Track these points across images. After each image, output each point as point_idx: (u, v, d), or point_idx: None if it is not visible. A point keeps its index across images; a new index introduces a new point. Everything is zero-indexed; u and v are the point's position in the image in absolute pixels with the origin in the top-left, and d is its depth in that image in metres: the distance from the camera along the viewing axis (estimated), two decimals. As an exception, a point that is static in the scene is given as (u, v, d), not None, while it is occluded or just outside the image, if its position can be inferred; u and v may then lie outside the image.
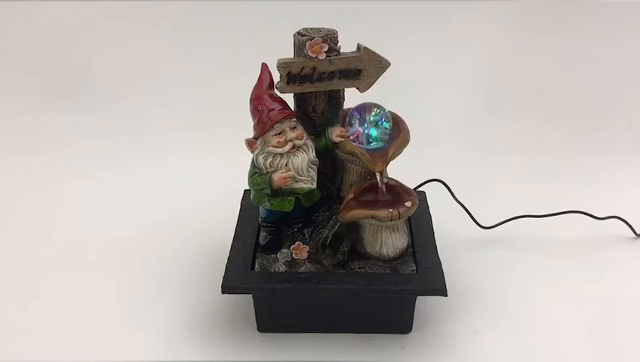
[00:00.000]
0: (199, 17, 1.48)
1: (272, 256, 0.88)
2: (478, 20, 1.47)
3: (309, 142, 0.84)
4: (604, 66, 1.45)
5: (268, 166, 0.83)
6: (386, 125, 0.87)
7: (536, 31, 1.47)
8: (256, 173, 0.84)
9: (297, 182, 0.83)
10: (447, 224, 1.06)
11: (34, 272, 1.03)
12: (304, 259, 0.87)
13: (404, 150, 0.88)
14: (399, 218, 0.84)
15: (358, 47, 0.84)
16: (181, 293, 0.98)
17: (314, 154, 0.84)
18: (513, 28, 1.47)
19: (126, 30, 1.50)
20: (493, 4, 1.46)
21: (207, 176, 1.28)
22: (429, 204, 1.03)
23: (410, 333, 0.90)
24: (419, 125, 0.93)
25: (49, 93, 1.48)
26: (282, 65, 0.82)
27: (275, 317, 0.89)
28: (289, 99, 0.87)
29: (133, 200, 1.22)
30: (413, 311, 0.89)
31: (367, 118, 0.86)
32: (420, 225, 0.96)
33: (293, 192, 0.85)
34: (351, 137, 0.86)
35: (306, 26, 0.85)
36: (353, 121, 0.87)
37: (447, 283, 0.84)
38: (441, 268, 0.87)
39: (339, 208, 0.88)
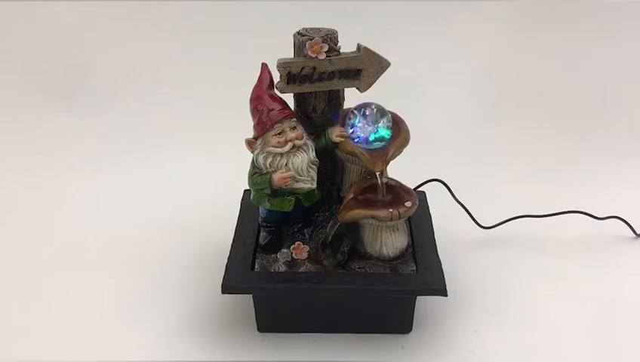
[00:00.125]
0: (199, 17, 1.48)
1: (272, 256, 0.88)
2: (478, 20, 1.47)
3: (309, 142, 0.84)
4: (604, 66, 1.45)
5: (268, 166, 0.83)
6: (386, 125, 0.87)
7: (536, 31, 1.47)
8: (256, 173, 0.84)
9: (297, 182, 0.83)
10: (447, 224, 1.06)
11: (34, 272, 1.03)
12: (304, 259, 0.87)
13: (404, 150, 0.88)
14: (399, 218, 0.84)
15: (358, 47, 0.84)
16: (181, 293, 0.97)
17: (314, 154, 0.84)
18: (513, 28, 1.47)
19: (126, 30, 1.50)
20: (493, 4, 1.46)
21: (207, 176, 1.28)
22: (429, 204, 1.03)
23: (410, 333, 0.90)
24: (419, 125, 0.93)
25: (49, 93, 1.48)
26: (282, 65, 0.82)
27: (275, 317, 0.89)
28: (289, 99, 0.87)
29: (133, 201, 1.22)
30: (413, 311, 0.89)
31: (368, 118, 0.86)
32: (419, 225, 0.96)
33: (293, 192, 0.85)
34: (351, 137, 0.86)
35: (306, 26, 0.85)
36: (353, 121, 0.87)
37: (447, 283, 0.84)
38: (441, 268, 0.87)
39: (339, 208, 0.88)
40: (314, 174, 0.84)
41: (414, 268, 0.88)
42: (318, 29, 0.84)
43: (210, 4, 1.47)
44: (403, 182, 0.90)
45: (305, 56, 0.82)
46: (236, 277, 0.85)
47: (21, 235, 1.12)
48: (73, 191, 1.25)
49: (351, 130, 0.87)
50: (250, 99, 0.85)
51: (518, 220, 1.09)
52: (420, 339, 0.89)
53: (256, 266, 0.88)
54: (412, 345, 0.88)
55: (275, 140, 0.82)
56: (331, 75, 0.83)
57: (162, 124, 1.43)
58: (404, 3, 1.46)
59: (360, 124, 0.86)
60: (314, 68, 0.82)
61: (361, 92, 0.86)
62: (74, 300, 0.96)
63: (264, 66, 0.85)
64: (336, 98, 0.88)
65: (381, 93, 0.89)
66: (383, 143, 0.87)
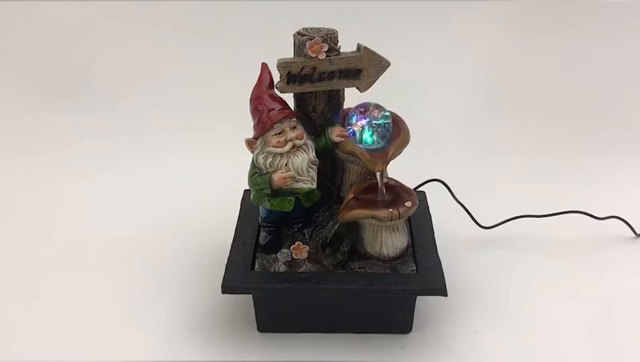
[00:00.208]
0: (199, 17, 1.48)
1: (272, 256, 0.88)
2: (478, 20, 1.47)
3: (309, 142, 0.84)
4: (604, 66, 1.45)
5: (268, 166, 0.83)
6: (386, 124, 0.87)
7: (536, 31, 1.47)
8: (256, 173, 0.84)
9: (297, 182, 0.83)
10: (447, 224, 1.06)
11: (34, 272, 1.03)
12: (304, 259, 0.87)
13: (404, 150, 0.88)
14: (399, 218, 0.84)
15: (358, 47, 0.84)
16: (181, 293, 0.97)
17: (314, 154, 0.84)
18: (513, 28, 1.47)
19: (126, 30, 1.50)
20: (493, 4, 1.46)
21: (207, 176, 1.28)
22: (429, 204, 1.03)
23: (410, 333, 0.90)
24: (419, 125, 0.93)
25: (49, 93, 1.48)
26: (282, 65, 0.82)
27: (275, 317, 0.89)
28: (289, 99, 0.87)
29: (133, 201, 1.22)
30: (413, 311, 0.89)
31: (368, 118, 0.86)
32: (419, 225, 0.96)
33: (293, 192, 0.85)
34: (351, 137, 0.86)
35: (306, 26, 0.85)
36: (353, 121, 0.87)
37: (447, 283, 0.84)
38: (441, 268, 0.87)
39: (339, 208, 0.88)
40: (314, 174, 0.84)
41: (414, 268, 0.88)
42: (318, 29, 0.84)
43: (210, 4, 1.47)
44: (403, 182, 0.90)
45: (305, 56, 0.82)
46: (236, 277, 0.85)
47: (21, 235, 1.12)
48: (73, 191, 1.25)
49: (351, 130, 0.87)
50: (250, 99, 0.85)
51: (518, 220, 1.09)
52: (420, 339, 0.89)
53: (256, 266, 0.88)
54: (412, 345, 0.88)
55: (275, 140, 0.82)
56: (331, 75, 0.83)
57: (162, 124, 1.43)
58: (404, 3, 1.46)
59: (359, 124, 0.86)
60: (314, 68, 0.82)
61: (361, 92, 0.86)
62: (74, 300, 0.96)
63: (264, 66, 0.85)
64: (336, 98, 0.88)
65: (381, 93, 0.89)
66: (383, 143, 0.86)
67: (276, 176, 0.83)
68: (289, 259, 0.87)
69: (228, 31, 1.48)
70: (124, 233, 1.12)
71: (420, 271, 0.87)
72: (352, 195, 0.87)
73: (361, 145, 0.86)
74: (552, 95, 1.46)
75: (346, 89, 0.88)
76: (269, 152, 0.83)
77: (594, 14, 1.45)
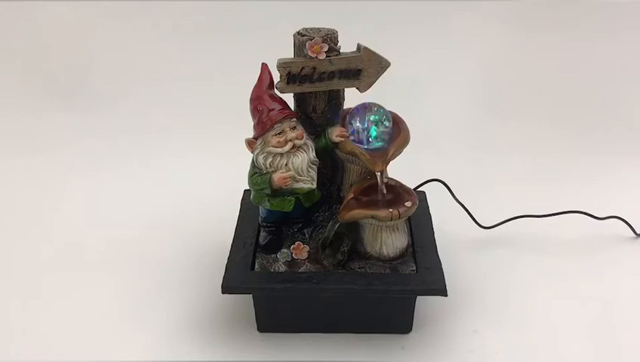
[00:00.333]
0: (199, 17, 1.48)
1: (272, 256, 0.88)
2: (478, 20, 1.47)
3: (309, 142, 0.84)
4: (604, 66, 1.45)
5: (268, 166, 0.83)
6: (387, 125, 0.87)
7: (537, 31, 1.47)
8: (256, 173, 0.84)
9: (297, 182, 0.83)
10: (447, 224, 1.06)
11: (34, 272, 1.03)
12: (304, 259, 0.87)
13: (404, 150, 0.88)
14: (399, 218, 0.84)
15: (358, 47, 0.84)
16: (181, 293, 0.98)
17: (314, 154, 0.84)
18: (513, 28, 1.47)
19: (126, 30, 1.50)
20: (493, 4, 1.46)
21: (207, 176, 1.28)
22: (429, 204, 1.03)
23: (410, 333, 0.90)
24: (419, 125, 0.93)
25: (49, 93, 1.48)
26: (282, 65, 0.82)
27: (275, 317, 0.89)
28: (289, 99, 0.87)
29: (133, 200, 1.22)
30: (413, 311, 0.89)
31: (368, 118, 0.86)
32: (419, 225, 0.96)
33: (293, 192, 0.85)
34: (351, 137, 0.86)
35: (306, 26, 0.85)
36: (353, 121, 0.87)
37: (447, 283, 0.84)
38: (441, 268, 0.87)
39: (339, 208, 0.88)
40: (314, 174, 0.84)
41: (414, 268, 0.88)
42: (318, 29, 0.84)
43: (211, 4, 1.47)
44: (403, 182, 0.90)
45: (305, 56, 0.82)
46: (236, 277, 0.85)
47: (21, 235, 1.12)
48: (73, 191, 1.25)
49: (351, 130, 0.87)
50: (250, 99, 0.85)
51: (518, 220, 1.09)
52: (420, 339, 0.89)
53: (256, 266, 0.88)
54: (412, 345, 0.88)
55: (275, 140, 0.82)
56: (331, 75, 0.83)
57: (162, 123, 1.43)
58: (404, 3, 1.46)
59: (360, 124, 0.86)
60: (314, 68, 0.82)
61: (361, 92, 0.86)
62: (74, 300, 0.96)
63: (264, 66, 0.85)
64: (336, 98, 0.88)
65: (381, 93, 0.89)
66: (383, 143, 0.87)
67: (276, 176, 0.83)
68: (289, 259, 0.87)
69: (228, 31, 1.48)
70: (124, 233, 1.12)
71: (420, 271, 0.87)
72: (352, 195, 0.87)
73: (361, 145, 0.86)
74: (552, 95, 1.46)
75: (346, 89, 0.88)
76: (269, 152, 0.83)
77: (594, 14, 1.45)
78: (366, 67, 0.83)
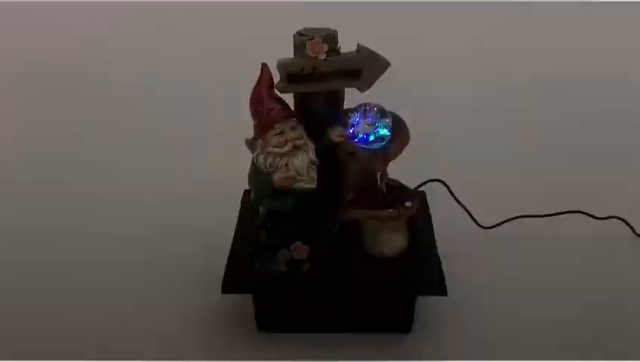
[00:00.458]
0: (199, 17, 1.49)
1: (272, 256, 0.88)
2: (479, 19, 1.47)
3: (309, 143, 0.84)
4: (603, 66, 1.46)
5: (268, 166, 0.83)
6: (387, 125, 0.87)
7: (537, 31, 1.47)
8: (257, 173, 0.84)
9: (297, 182, 0.83)
10: (447, 224, 1.06)
11: (35, 273, 1.02)
12: (304, 259, 0.87)
13: (405, 150, 0.88)
14: (399, 218, 0.84)
15: (358, 47, 0.84)
16: (181, 293, 0.98)
17: (314, 154, 0.84)
18: (513, 27, 1.47)
19: (124, 31, 1.50)
20: (493, 4, 1.46)
21: (207, 176, 1.28)
22: (429, 204, 1.03)
23: (410, 333, 0.90)
24: (419, 125, 0.93)
25: (49, 89, 1.48)
26: (282, 65, 0.82)
27: (274, 317, 0.89)
28: (289, 99, 0.87)
29: (133, 200, 1.22)
30: (414, 311, 0.89)
31: (368, 118, 0.86)
32: (419, 225, 0.96)
33: (293, 192, 0.85)
34: (351, 137, 0.86)
35: (306, 26, 0.84)
36: (353, 121, 0.87)
37: (447, 283, 0.84)
38: (441, 268, 0.87)
39: (339, 208, 0.88)
40: (314, 174, 0.84)
41: (414, 268, 0.88)
42: (318, 29, 0.84)
43: (210, 4, 1.48)
44: (403, 182, 0.90)
45: (305, 56, 0.81)
46: (236, 277, 0.85)
47: (22, 236, 1.12)
48: (73, 192, 1.25)
49: (351, 130, 0.87)
50: (251, 99, 0.85)
51: (518, 220, 1.09)
52: (420, 339, 0.89)
53: (256, 266, 0.88)
54: (412, 345, 0.88)
55: (275, 140, 0.82)
56: (331, 75, 0.83)
57: (162, 124, 1.43)
58: (404, 3, 1.47)
59: (360, 124, 0.86)
60: (314, 68, 0.82)
61: (361, 92, 0.86)
62: (74, 300, 0.96)
63: (264, 66, 0.85)
64: (337, 98, 0.88)
65: (381, 93, 0.89)
66: (383, 143, 0.87)
67: (276, 177, 0.83)
68: (289, 259, 0.87)
69: (228, 31, 1.48)
70: (125, 233, 1.12)
71: (419, 271, 0.87)
72: (352, 195, 0.87)
73: (361, 145, 0.86)
74: (551, 95, 1.46)
75: (346, 89, 0.88)
76: (270, 152, 0.83)
77: (592, 13, 1.45)
78: (366, 67, 0.83)
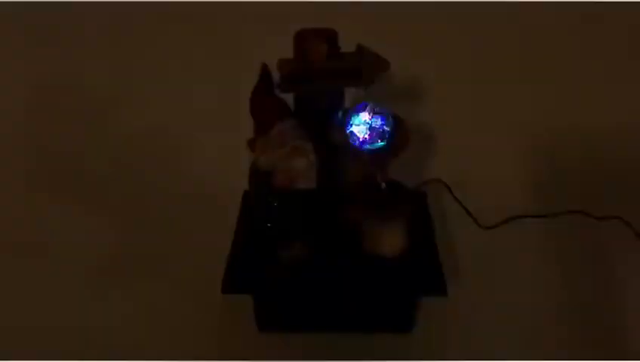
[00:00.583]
0: (199, 17, 1.49)
1: (273, 256, 0.88)
2: (479, 19, 1.47)
3: (309, 143, 0.84)
4: (603, 66, 1.45)
5: (268, 166, 0.83)
6: (387, 125, 0.87)
7: (538, 32, 1.47)
8: (257, 173, 0.84)
9: (297, 182, 0.83)
10: (447, 224, 1.06)
11: (36, 275, 1.03)
12: (304, 259, 0.87)
13: (405, 150, 0.88)
14: (399, 218, 0.84)
15: (358, 47, 0.84)
16: (181, 293, 0.97)
17: (314, 154, 0.84)
18: (513, 27, 1.47)
19: (125, 31, 1.50)
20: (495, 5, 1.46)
21: (207, 176, 1.28)
22: (429, 204, 1.02)
23: (410, 333, 0.90)
24: (419, 125, 0.93)
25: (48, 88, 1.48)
26: (282, 65, 0.82)
27: (275, 317, 0.89)
28: (289, 99, 0.87)
29: (133, 200, 1.21)
30: (414, 311, 0.89)
31: (368, 118, 0.86)
32: (419, 225, 0.96)
33: (293, 192, 0.85)
34: (351, 137, 0.86)
35: (306, 26, 0.85)
36: (354, 121, 0.87)
37: (447, 283, 0.84)
38: (441, 268, 0.87)
39: (339, 208, 0.88)
40: (314, 174, 0.84)
41: (414, 268, 0.88)
42: (318, 29, 0.84)
43: (211, 4, 1.48)
44: (403, 182, 0.90)
45: (305, 56, 0.82)
46: (236, 277, 0.85)
47: (22, 237, 1.12)
48: (73, 191, 1.25)
49: (351, 130, 0.87)
50: (251, 99, 0.85)
51: (518, 220, 1.09)
52: (420, 339, 0.89)
53: (257, 266, 0.88)
54: (412, 345, 0.88)
55: (275, 141, 0.82)
56: (331, 75, 0.83)
57: (162, 123, 1.42)
58: (404, 3, 1.46)
59: (360, 124, 0.86)
60: (314, 68, 0.82)
61: (361, 92, 0.86)
62: (74, 300, 0.96)
63: (264, 66, 0.85)
64: (337, 98, 0.88)
65: (381, 93, 0.89)
66: (383, 143, 0.87)
67: (276, 177, 0.83)
68: (289, 259, 0.87)
69: (228, 31, 1.48)
70: (125, 233, 1.12)
71: (420, 271, 0.87)
72: (351, 195, 0.87)
73: (361, 145, 0.86)
74: (551, 95, 1.46)
75: (346, 89, 0.88)
76: (270, 153, 0.83)
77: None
78: (366, 67, 0.83)
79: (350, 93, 0.89)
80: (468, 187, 1.11)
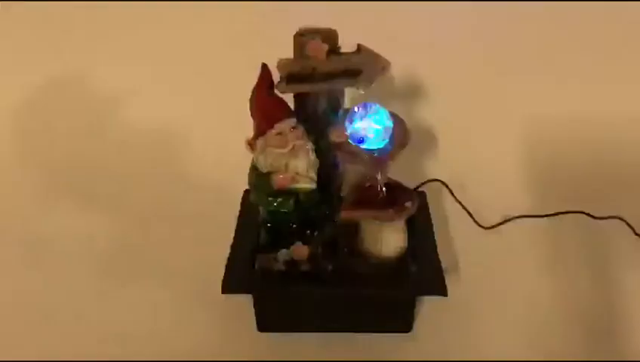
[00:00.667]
0: (199, 17, 1.48)
1: (272, 256, 0.88)
2: (480, 19, 1.47)
3: (309, 143, 0.84)
4: (606, 63, 1.45)
5: (268, 166, 0.83)
6: (387, 125, 0.87)
7: (540, 30, 1.47)
8: (257, 173, 0.84)
9: (297, 182, 0.84)
10: (447, 224, 1.06)
11: (35, 274, 1.03)
12: (304, 259, 0.87)
13: (404, 150, 0.88)
14: (399, 218, 0.84)
15: (358, 47, 0.84)
16: (181, 293, 0.97)
17: (314, 154, 0.84)
18: (514, 27, 1.47)
19: (124, 32, 1.50)
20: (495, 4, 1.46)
21: (207, 176, 1.28)
22: (429, 204, 1.03)
23: (410, 333, 0.90)
24: (419, 125, 0.93)
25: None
26: (282, 65, 0.82)
27: (275, 317, 0.89)
28: (289, 99, 0.87)
29: (133, 200, 1.22)
30: (414, 311, 0.89)
31: (368, 118, 0.86)
32: (419, 225, 0.96)
33: (293, 192, 0.85)
34: (351, 137, 0.86)
35: (306, 26, 0.85)
36: (354, 121, 0.87)
37: (447, 283, 0.84)
38: (441, 269, 0.87)
39: (339, 208, 0.88)
40: (314, 174, 0.84)
41: (414, 268, 0.88)
42: (318, 29, 0.84)
43: (210, 3, 1.47)
44: (403, 182, 0.90)
45: (305, 56, 0.82)
46: (236, 277, 0.85)
47: (23, 236, 1.12)
48: (73, 190, 1.25)
49: (351, 130, 0.87)
50: (251, 99, 0.85)
51: (518, 220, 1.09)
52: (420, 339, 0.89)
53: (256, 266, 0.88)
54: (412, 345, 0.88)
55: (275, 141, 0.82)
56: (331, 75, 0.83)
57: (162, 123, 1.42)
58: (404, 3, 1.46)
59: (360, 124, 0.86)
60: (314, 68, 0.82)
61: (361, 92, 0.86)
62: (73, 300, 0.96)
63: (264, 66, 0.85)
64: (336, 98, 0.88)
65: (381, 93, 0.89)
66: (383, 143, 0.87)
67: (276, 177, 0.83)
68: (289, 259, 0.87)
69: (228, 31, 1.48)
70: (125, 233, 1.12)
71: (419, 271, 0.87)
72: (351, 195, 0.87)
73: (361, 146, 0.86)
74: (552, 95, 1.46)
75: (346, 89, 0.88)
76: (270, 153, 0.83)
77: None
78: (366, 67, 0.83)
79: (350, 93, 0.89)
80: (468, 187, 1.11)
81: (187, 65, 1.48)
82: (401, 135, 0.88)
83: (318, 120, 0.88)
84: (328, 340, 0.88)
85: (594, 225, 1.10)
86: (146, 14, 1.49)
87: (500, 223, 1.09)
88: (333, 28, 0.84)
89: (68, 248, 1.08)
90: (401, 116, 0.90)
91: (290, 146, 0.82)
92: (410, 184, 0.93)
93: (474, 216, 1.07)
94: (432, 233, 0.95)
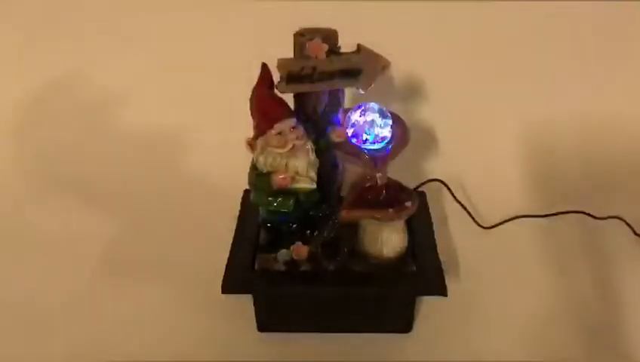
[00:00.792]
0: (199, 17, 1.48)
1: (272, 256, 0.89)
2: (481, 18, 1.47)
3: (309, 143, 0.84)
4: (606, 63, 1.45)
5: (268, 166, 0.83)
6: (387, 125, 0.87)
7: (540, 31, 1.47)
8: (257, 173, 0.84)
9: (297, 182, 0.84)
10: (447, 224, 1.06)
11: (36, 275, 1.03)
12: (304, 259, 0.87)
13: (404, 150, 0.88)
14: (399, 218, 0.84)
15: (358, 47, 0.84)
16: (181, 293, 0.98)
17: (314, 154, 0.84)
18: (515, 26, 1.47)
19: (124, 32, 1.50)
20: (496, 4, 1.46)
21: (207, 176, 1.28)
22: (429, 204, 1.03)
23: (410, 333, 0.90)
24: (419, 125, 0.93)
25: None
26: (282, 65, 0.82)
27: (275, 317, 0.89)
28: (289, 99, 0.87)
29: (133, 200, 1.22)
30: (414, 311, 0.89)
31: (368, 118, 0.86)
32: (419, 225, 0.96)
33: (293, 192, 0.85)
34: (351, 137, 0.86)
35: (306, 26, 0.85)
36: (354, 121, 0.87)
37: (447, 283, 0.84)
38: (441, 268, 0.87)
39: (339, 208, 0.88)
40: (314, 174, 0.84)
41: (414, 268, 0.88)
42: (318, 28, 0.84)
43: (210, 3, 1.47)
44: (403, 182, 0.90)
45: (305, 56, 0.82)
46: (236, 277, 0.85)
47: (23, 236, 1.12)
48: (73, 189, 1.25)
49: (351, 130, 0.87)
50: (251, 99, 0.85)
51: (518, 220, 1.09)
52: (420, 339, 0.89)
53: (256, 266, 0.88)
54: (412, 345, 0.88)
55: (275, 141, 0.82)
56: (331, 75, 0.83)
57: (161, 123, 1.43)
58: (404, 3, 1.46)
59: (360, 124, 0.86)
60: (314, 68, 0.82)
61: (361, 92, 0.86)
62: (74, 299, 0.96)
63: (264, 66, 0.85)
64: (336, 98, 0.88)
65: (381, 93, 0.89)
66: (383, 143, 0.87)
67: (276, 177, 0.83)
68: (289, 259, 0.87)
69: (227, 31, 1.48)
70: (124, 233, 1.12)
71: (419, 271, 0.87)
72: (351, 195, 0.87)
73: (361, 145, 0.86)
74: (552, 95, 1.46)
75: (346, 89, 0.88)
76: (269, 153, 0.83)
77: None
78: (366, 67, 0.83)
79: (350, 93, 0.89)
80: (468, 187, 1.11)
81: (187, 65, 1.48)
82: (401, 135, 0.88)
83: (318, 120, 0.88)
84: (328, 340, 0.88)
85: (594, 225, 1.10)
86: (146, 14, 1.49)
87: (500, 223, 1.09)
88: (333, 28, 0.84)
89: (68, 248, 1.08)
90: (401, 116, 0.90)
91: (290, 146, 0.82)
92: (410, 184, 0.93)
93: (474, 215, 1.07)
94: (432, 233, 0.95)
